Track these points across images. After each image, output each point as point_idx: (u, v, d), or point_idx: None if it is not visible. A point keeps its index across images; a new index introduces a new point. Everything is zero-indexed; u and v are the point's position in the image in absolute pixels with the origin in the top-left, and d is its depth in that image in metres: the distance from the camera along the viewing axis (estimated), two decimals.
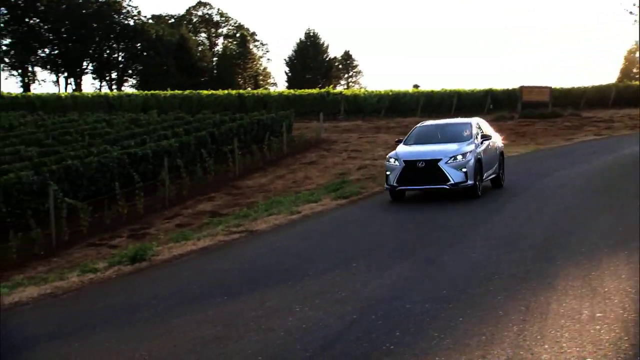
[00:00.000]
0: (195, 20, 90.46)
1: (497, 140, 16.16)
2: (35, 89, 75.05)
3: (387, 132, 33.38)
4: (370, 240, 10.26)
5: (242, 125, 27.33)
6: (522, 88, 40.10)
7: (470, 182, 13.49)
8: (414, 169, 13.59)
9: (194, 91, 48.42)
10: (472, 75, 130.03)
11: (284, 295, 7.06)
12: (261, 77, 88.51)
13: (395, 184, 13.77)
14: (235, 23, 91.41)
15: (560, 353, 4.81)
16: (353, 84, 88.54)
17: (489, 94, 42.91)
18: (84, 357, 5.62)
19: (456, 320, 5.74)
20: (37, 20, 73.77)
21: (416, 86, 55.42)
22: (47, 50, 75.32)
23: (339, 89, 62.37)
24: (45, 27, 73.90)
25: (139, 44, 76.80)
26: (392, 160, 14.12)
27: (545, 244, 8.85)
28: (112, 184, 17.36)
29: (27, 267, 12.33)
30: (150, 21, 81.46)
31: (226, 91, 48.09)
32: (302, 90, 48.14)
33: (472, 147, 14.00)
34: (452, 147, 13.94)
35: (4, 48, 73.42)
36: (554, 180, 15.91)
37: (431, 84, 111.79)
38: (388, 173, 14.03)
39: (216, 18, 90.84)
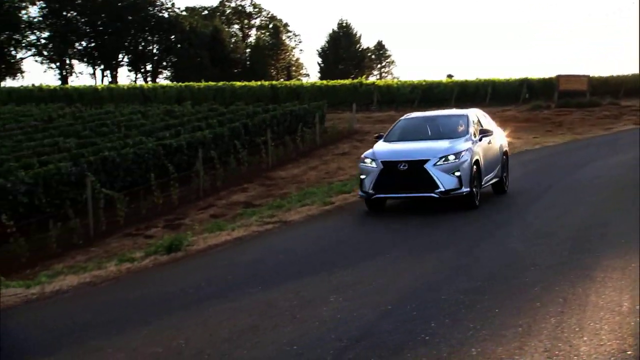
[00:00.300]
0: (228, 11, 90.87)
1: (500, 136, 13.99)
2: (73, 81, 76.24)
3: None
4: (405, 231, 10.22)
5: (275, 116, 27.42)
6: (558, 77, 39.37)
7: (465, 189, 11.12)
8: (394, 173, 11.24)
9: (227, 83, 48.73)
10: (504, 67, 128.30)
11: (317, 285, 7.08)
12: (294, 68, 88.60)
13: (371, 191, 11.41)
14: (268, 14, 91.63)
15: (600, 345, 4.73)
16: (386, 75, 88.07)
17: (525, 83, 42.22)
18: (122, 344, 5.73)
19: (492, 312, 5.68)
20: (74, 14, 75.02)
21: (450, 76, 54.86)
22: (84, 43, 76.56)
23: (371, 79, 62.08)
24: (82, 20, 75.11)
25: (173, 36, 77.52)
26: (367, 161, 11.70)
27: (582, 235, 8.70)
28: (148, 174, 17.60)
29: (66, 257, 12.61)
30: (184, 13, 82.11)
31: (259, 82, 48.29)
32: (335, 81, 48.05)
33: (468, 144, 11.62)
34: (442, 145, 11.59)
35: (43, 41, 74.95)
36: (590, 170, 15.63)
37: (465, 74, 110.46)
38: (363, 177, 11.64)
39: (249, 9, 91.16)
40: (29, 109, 36.53)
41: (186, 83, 50.33)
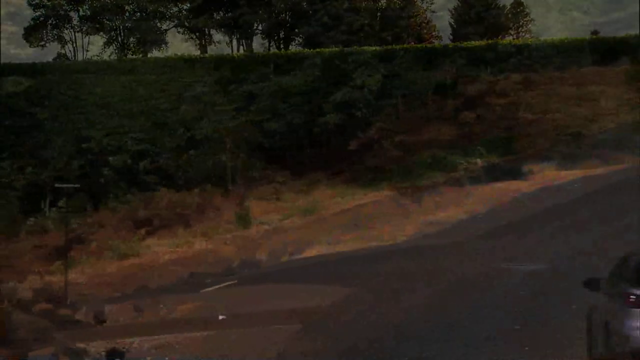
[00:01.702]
0: None
1: None
2: (213, 51, 79.76)
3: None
4: None
5: None
6: None
7: None
8: None
9: (357, 47, 48.71)
10: None
11: None
12: (425, 31, 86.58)
13: None
14: None
15: None
16: (523, 34, 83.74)
17: None
18: None
19: None
20: None
21: (595, 32, 51.36)
22: (221, 13, 79.56)
23: (507, 39, 59.44)
24: None
25: (304, 3, 78.35)
26: None
27: None
28: None
29: None
30: None
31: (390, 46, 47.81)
32: (468, 42, 46.60)
33: None
34: None
35: (184, 13, 78.83)
36: None
37: (613, 30, 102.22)
38: None
39: None
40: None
41: (317, 49, 50.91)
